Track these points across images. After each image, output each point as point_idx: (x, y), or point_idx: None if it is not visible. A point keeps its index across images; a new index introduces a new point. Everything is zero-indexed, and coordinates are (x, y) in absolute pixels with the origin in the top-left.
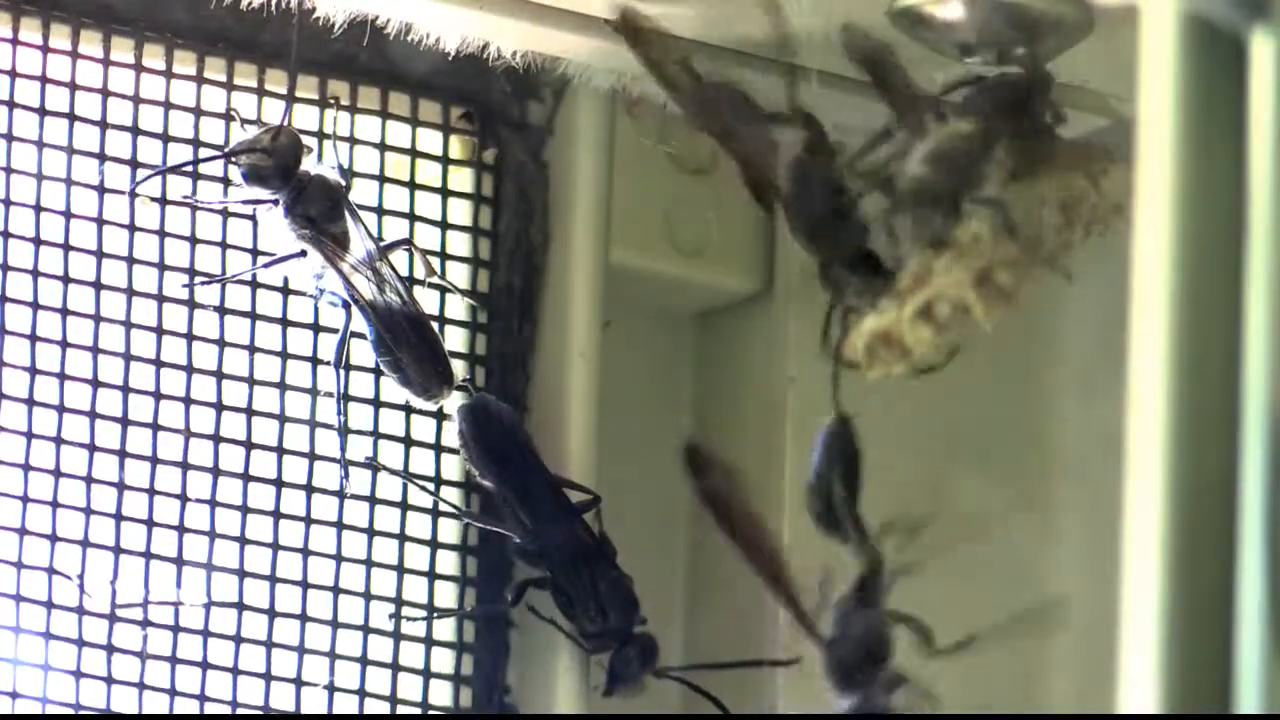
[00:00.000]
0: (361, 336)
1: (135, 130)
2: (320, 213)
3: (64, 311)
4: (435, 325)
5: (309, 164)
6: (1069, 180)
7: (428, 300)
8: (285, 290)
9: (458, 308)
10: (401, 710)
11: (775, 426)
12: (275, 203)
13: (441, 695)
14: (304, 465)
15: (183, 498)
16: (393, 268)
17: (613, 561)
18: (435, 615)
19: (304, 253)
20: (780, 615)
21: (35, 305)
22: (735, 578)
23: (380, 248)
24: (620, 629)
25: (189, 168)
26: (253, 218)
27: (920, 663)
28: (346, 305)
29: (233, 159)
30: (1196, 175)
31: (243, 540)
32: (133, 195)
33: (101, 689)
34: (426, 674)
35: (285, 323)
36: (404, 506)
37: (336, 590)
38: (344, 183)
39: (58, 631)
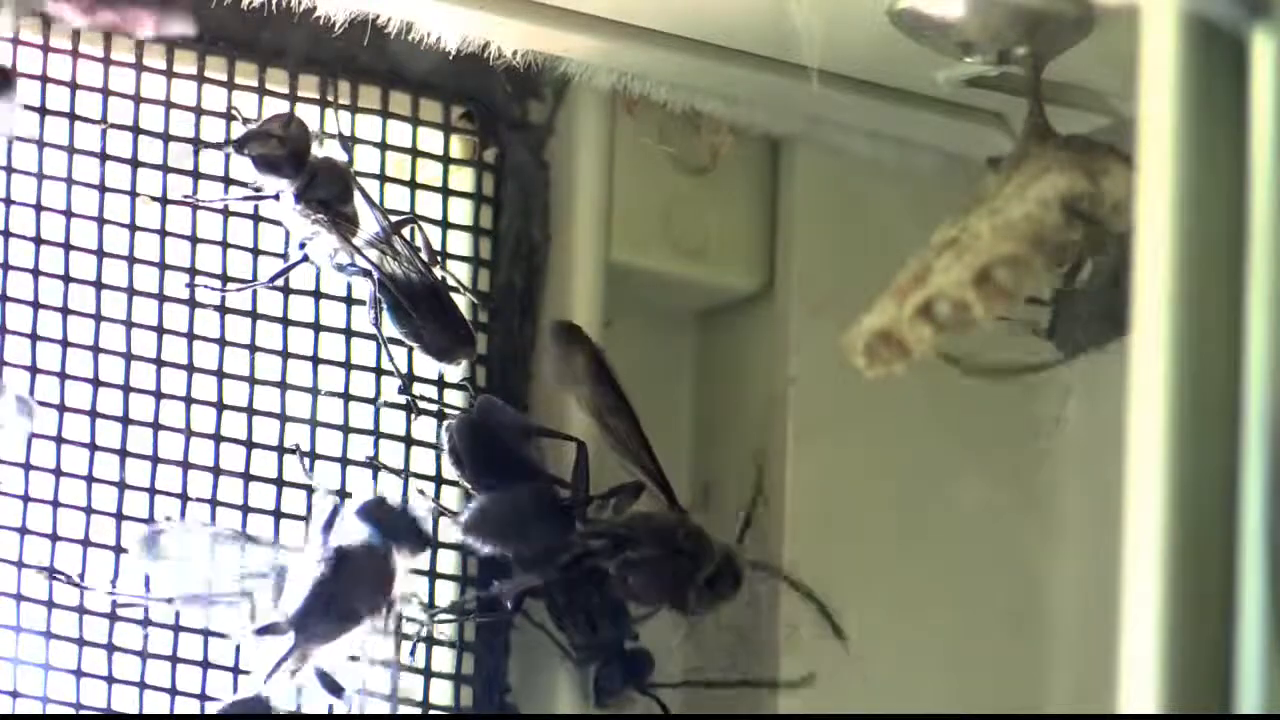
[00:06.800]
0: (362, 303)
1: (136, 129)
2: (333, 195)
3: (64, 310)
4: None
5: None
6: (1068, 180)
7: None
8: (285, 290)
9: (458, 307)
10: (402, 709)
11: (775, 426)
12: (276, 196)
13: (442, 694)
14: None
15: (183, 497)
16: (405, 239)
17: (608, 572)
18: (435, 615)
19: (306, 259)
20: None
21: (36, 304)
22: None
23: (391, 224)
24: (610, 642)
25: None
26: (253, 216)
27: (920, 663)
28: (368, 274)
29: (243, 148)
30: (1197, 175)
31: (244, 539)
32: (201, 206)
33: (102, 688)
34: (427, 673)
35: (286, 322)
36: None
37: None
38: (349, 158)
39: (58, 631)
